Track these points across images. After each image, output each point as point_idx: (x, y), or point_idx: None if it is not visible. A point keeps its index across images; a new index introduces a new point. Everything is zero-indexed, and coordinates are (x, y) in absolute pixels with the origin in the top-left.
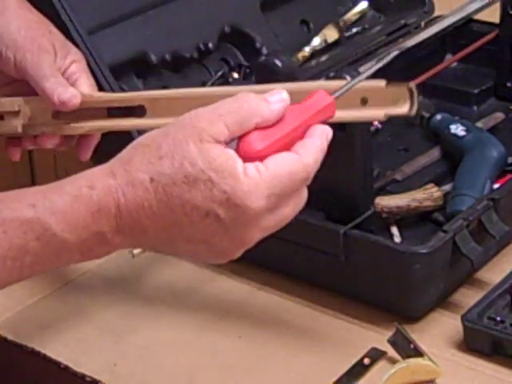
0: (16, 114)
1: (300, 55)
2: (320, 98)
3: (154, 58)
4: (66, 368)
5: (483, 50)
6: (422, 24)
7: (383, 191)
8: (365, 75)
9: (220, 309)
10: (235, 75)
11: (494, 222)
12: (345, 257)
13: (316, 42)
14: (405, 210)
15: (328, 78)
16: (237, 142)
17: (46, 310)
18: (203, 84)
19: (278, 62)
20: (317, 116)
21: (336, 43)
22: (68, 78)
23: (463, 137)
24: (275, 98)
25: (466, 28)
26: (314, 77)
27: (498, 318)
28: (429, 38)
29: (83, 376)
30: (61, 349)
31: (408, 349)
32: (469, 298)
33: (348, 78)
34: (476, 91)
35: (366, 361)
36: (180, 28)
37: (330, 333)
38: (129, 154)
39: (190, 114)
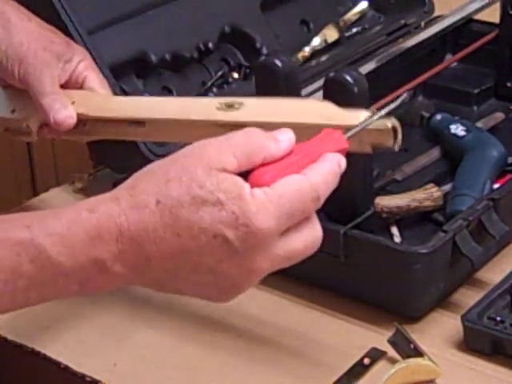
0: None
1: (300, 55)
2: (328, 133)
3: (153, 57)
4: (66, 368)
5: (483, 50)
6: (422, 24)
7: (383, 191)
8: (377, 116)
9: (220, 308)
10: (235, 75)
11: (494, 221)
12: (345, 257)
13: (316, 42)
14: (405, 210)
15: (328, 77)
16: (245, 175)
17: (46, 310)
18: (203, 84)
19: (278, 62)
20: (324, 148)
21: (336, 43)
22: (77, 78)
23: (463, 137)
24: (283, 136)
25: (466, 28)
26: (314, 77)
27: (498, 318)
28: (429, 38)
29: (83, 376)
30: (61, 349)
31: (408, 349)
32: (469, 298)
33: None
34: (476, 91)
35: (366, 361)
36: (180, 28)
37: (330, 333)
38: (135, 180)
39: (199, 143)
